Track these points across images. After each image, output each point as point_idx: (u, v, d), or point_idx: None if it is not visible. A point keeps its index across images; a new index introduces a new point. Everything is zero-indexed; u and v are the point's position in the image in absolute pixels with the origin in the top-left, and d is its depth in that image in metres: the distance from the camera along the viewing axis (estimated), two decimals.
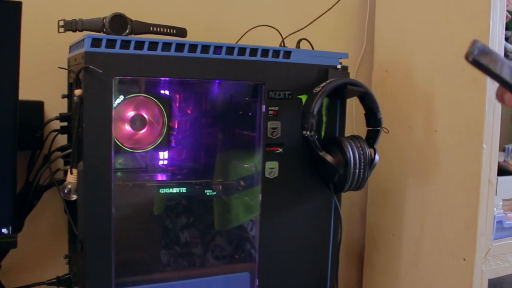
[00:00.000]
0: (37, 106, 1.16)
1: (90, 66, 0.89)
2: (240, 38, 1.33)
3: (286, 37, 1.29)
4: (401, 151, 1.42)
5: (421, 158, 1.35)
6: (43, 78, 1.20)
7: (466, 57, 0.52)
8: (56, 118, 1.09)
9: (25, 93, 1.15)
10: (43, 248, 1.25)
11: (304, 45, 1.21)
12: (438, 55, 1.30)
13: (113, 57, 0.92)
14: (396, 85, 1.44)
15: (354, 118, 1.53)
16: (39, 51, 1.20)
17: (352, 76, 1.60)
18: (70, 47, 1.11)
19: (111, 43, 0.92)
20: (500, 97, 0.60)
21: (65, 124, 1.09)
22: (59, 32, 1.03)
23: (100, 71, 0.89)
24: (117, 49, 0.92)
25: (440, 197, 1.29)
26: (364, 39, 1.60)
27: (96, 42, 0.91)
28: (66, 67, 1.14)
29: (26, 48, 1.18)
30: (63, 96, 1.13)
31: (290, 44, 1.24)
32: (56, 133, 1.13)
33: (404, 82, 1.41)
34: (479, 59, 0.51)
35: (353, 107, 1.50)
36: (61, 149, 1.11)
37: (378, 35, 1.53)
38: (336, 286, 1.19)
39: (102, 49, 0.91)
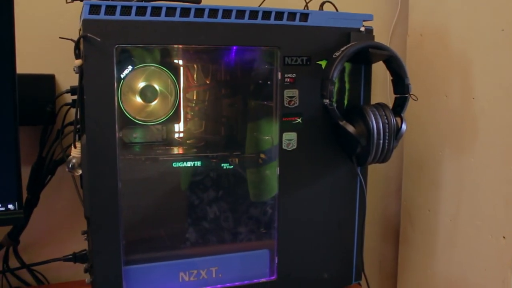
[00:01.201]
0: (48, 80, 1.13)
1: (88, 35, 0.85)
2: (261, 3, 1.26)
3: (310, 0, 1.21)
4: (437, 121, 1.32)
5: (458, 128, 1.25)
6: (55, 51, 1.16)
7: None
8: (67, 91, 1.06)
9: (36, 67, 1.14)
10: (61, 224, 1.24)
11: (328, 9, 1.12)
12: (476, 14, 1.18)
13: (113, 24, 0.87)
14: (432, 50, 1.34)
15: (388, 85, 1.43)
16: (50, 23, 1.17)
17: (386, 41, 1.51)
18: (80, 17, 1.07)
19: (110, 10, 0.87)
20: None
21: (76, 97, 1.06)
22: (67, 2, 1.00)
23: (99, 40, 0.85)
24: (117, 16, 0.87)
25: (478, 170, 1.19)
26: (399, 2, 1.49)
27: (94, 8, 0.86)
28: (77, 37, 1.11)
29: (37, 21, 1.16)
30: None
31: (315, 8, 1.15)
32: (69, 106, 1.10)
33: (440, 46, 1.30)
34: None
35: (387, 73, 1.40)
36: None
37: None
38: (361, 263, 1.12)
39: (101, 16, 0.86)
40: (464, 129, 1.23)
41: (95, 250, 0.91)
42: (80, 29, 0.99)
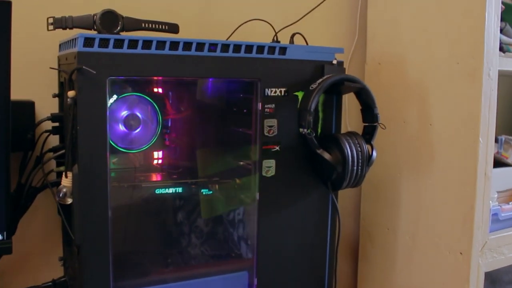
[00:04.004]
0: (28, 106, 1.13)
1: (84, 67, 0.87)
2: (232, 33, 1.31)
3: (279, 31, 1.27)
4: (395, 145, 1.41)
5: (416, 152, 1.35)
6: (33, 77, 1.17)
7: None
8: (48, 119, 1.06)
9: (15, 93, 1.13)
10: (37, 251, 1.23)
11: (297, 39, 1.19)
12: (433, 47, 1.29)
13: (107, 57, 0.90)
14: (390, 78, 1.43)
15: (348, 114, 1.52)
16: (28, 49, 1.17)
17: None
18: (60, 45, 1.08)
19: (104, 43, 0.89)
20: None
21: (56, 124, 1.07)
22: (48, 30, 1.01)
23: (94, 72, 0.87)
24: (110, 49, 0.90)
25: (435, 191, 1.29)
26: (356, 32, 1.59)
27: (88, 41, 0.88)
28: (56, 65, 1.12)
29: (15, 47, 1.15)
30: (54, 96, 1.11)
31: (283, 38, 1.22)
32: (48, 133, 1.10)
33: (398, 75, 1.40)
34: None
35: (346, 103, 1.49)
36: (54, 150, 1.09)
37: (371, 27, 1.52)
38: (334, 283, 1.18)
39: (95, 48, 0.89)
40: (421, 152, 1.33)
41: (86, 277, 0.92)
42: (66, 58, 1.00)
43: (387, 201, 1.46)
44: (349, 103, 1.50)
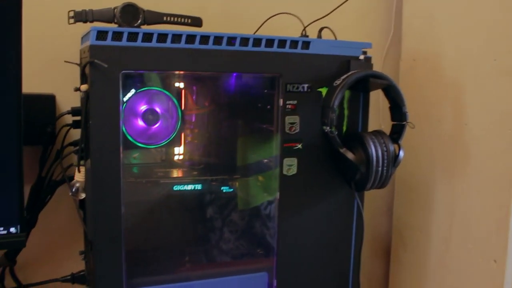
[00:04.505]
0: (49, 100, 1.13)
1: (95, 60, 0.85)
2: (259, 27, 1.27)
3: (308, 25, 1.22)
4: (429, 145, 1.35)
5: (451, 153, 1.28)
6: (55, 71, 1.17)
7: None
8: (68, 112, 1.06)
9: (38, 86, 1.14)
10: (59, 244, 1.24)
11: (326, 34, 1.14)
12: (469, 43, 1.21)
13: (120, 50, 0.88)
14: (425, 75, 1.37)
15: (381, 112, 1.46)
16: (51, 43, 1.17)
17: (379, 66, 1.54)
18: (82, 38, 1.08)
19: (117, 36, 0.88)
20: None
21: (77, 118, 1.06)
22: (69, 23, 1.00)
23: (106, 65, 0.86)
24: (124, 42, 0.88)
25: (470, 194, 1.22)
26: (392, 27, 1.52)
27: (102, 34, 0.87)
28: (79, 58, 1.11)
29: (38, 40, 1.16)
30: (76, 89, 1.10)
31: (312, 32, 1.17)
32: (69, 127, 1.10)
33: (433, 71, 1.33)
34: None
35: (380, 100, 1.43)
36: (74, 144, 1.09)
37: (406, 22, 1.46)
38: (358, 285, 1.14)
39: (108, 42, 0.87)
40: (456, 153, 1.26)
41: (99, 275, 0.91)
42: (84, 51, 0.99)
43: (420, 202, 1.40)
44: (383, 101, 1.44)
